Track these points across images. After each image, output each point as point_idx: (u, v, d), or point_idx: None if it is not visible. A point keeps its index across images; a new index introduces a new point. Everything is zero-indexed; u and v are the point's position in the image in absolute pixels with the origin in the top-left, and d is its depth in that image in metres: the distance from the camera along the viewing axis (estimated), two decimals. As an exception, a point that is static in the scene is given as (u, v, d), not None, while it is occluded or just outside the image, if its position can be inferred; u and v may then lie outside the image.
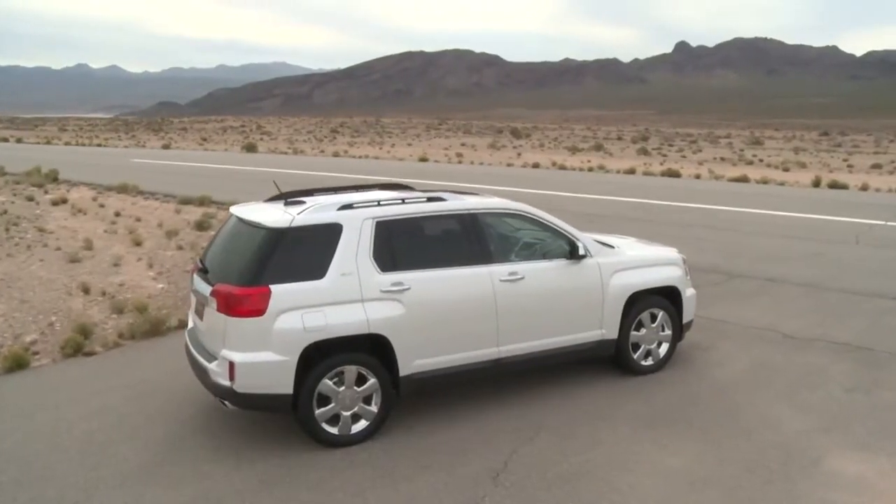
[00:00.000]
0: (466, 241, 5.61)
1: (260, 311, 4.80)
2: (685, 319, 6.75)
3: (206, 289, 5.20)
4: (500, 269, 5.66)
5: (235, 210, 5.61)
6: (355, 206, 5.32)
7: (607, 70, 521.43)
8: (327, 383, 5.04)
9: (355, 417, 5.19)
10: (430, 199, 5.63)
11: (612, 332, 6.24)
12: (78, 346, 7.11)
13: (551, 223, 6.06)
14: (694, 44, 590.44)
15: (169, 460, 5.01)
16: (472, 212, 5.69)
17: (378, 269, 5.17)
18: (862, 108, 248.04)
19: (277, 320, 4.83)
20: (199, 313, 5.40)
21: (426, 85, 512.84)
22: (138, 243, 12.55)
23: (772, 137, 72.31)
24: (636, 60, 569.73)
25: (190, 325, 5.91)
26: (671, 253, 6.88)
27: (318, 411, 5.04)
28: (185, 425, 5.57)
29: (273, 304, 4.82)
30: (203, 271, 5.45)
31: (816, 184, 23.64)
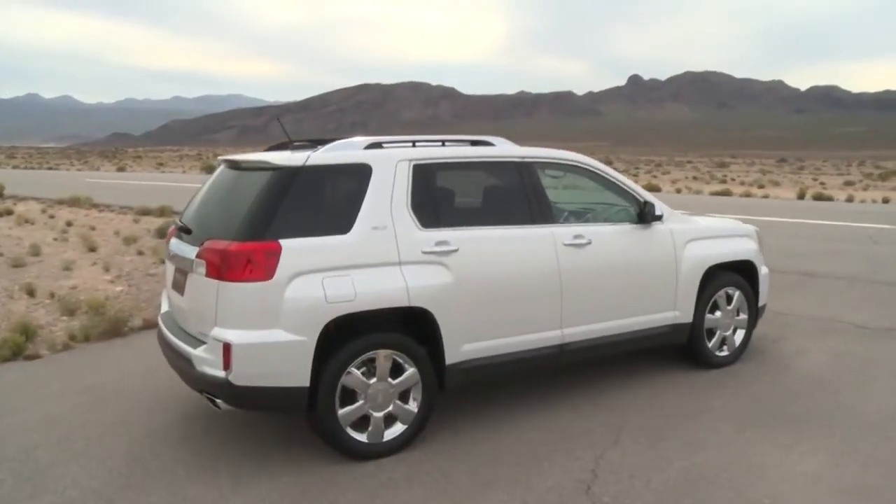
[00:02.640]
0: (523, 194, 4.45)
1: (266, 274, 3.55)
2: (761, 302, 5.68)
3: (189, 251, 3.94)
4: (563, 231, 4.51)
5: (227, 157, 4.36)
6: (385, 145, 4.14)
7: (562, 102, 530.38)
8: (354, 374, 3.79)
9: (389, 419, 3.94)
10: (474, 143, 4.49)
11: (686, 315, 5.12)
12: (17, 347, 5.70)
13: (616, 179, 4.95)
14: (646, 77, 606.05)
15: (135, 483, 3.69)
16: (527, 160, 4.54)
17: (418, 224, 3.98)
18: (808, 140, 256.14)
19: (290, 287, 3.59)
20: (179, 287, 4.11)
21: (382, 117, 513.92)
22: (92, 249, 11.10)
23: (732, 163, 73.24)
24: (590, 93, 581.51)
25: (164, 307, 4.61)
26: (743, 224, 5.83)
27: (341, 411, 3.78)
28: (156, 437, 4.23)
29: (284, 264, 3.58)
30: (184, 232, 4.18)
31: (801, 196, 23.21)
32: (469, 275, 4.06)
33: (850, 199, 22.28)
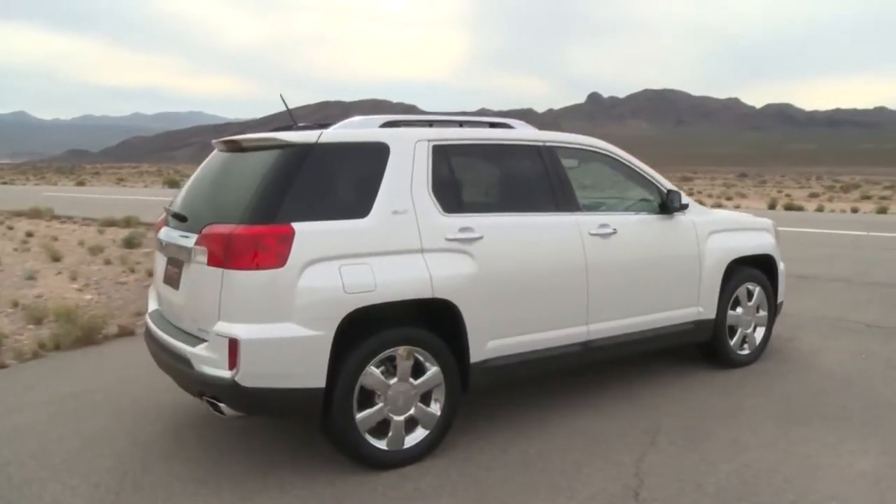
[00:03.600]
0: (546, 180, 4.14)
1: (277, 262, 3.17)
2: (779, 298, 5.45)
3: (186, 239, 3.53)
4: (588, 220, 4.21)
5: (225, 139, 3.96)
6: (402, 124, 3.80)
7: (523, 119, 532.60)
8: (373, 373, 3.41)
9: (410, 424, 3.56)
10: (492, 125, 4.17)
11: (709, 311, 4.85)
12: (-21, 357, 5.18)
13: (638, 167, 4.68)
14: (605, 94, 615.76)
15: (126, 501, 3.24)
16: (549, 145, 4.24)
17: (440, 209, 3.64)
18: (764, 156, 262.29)
19: (304, 275, 3.20)
20: (173, 280, 3.69)
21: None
22: (56, 259, 10.51)
23: (695, 178, 74.36)
24: (551, 110, 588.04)
25: (152, 305, 4.17)
26: (760, 217, 5.60)
27: (359, 415, 3.40)
28: (145, 449, 3.79)
29: (297, 250, 3.20)
30: (178, 219, 3.77)
31: (772, 206, 23.41)
32: (494, 264, 3.72)
33: (820, 209, 22.54)
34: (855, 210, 22.63)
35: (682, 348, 5.15)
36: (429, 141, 3.73)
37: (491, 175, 4.11)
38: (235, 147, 3.80)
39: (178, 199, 4.05)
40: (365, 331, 3.38)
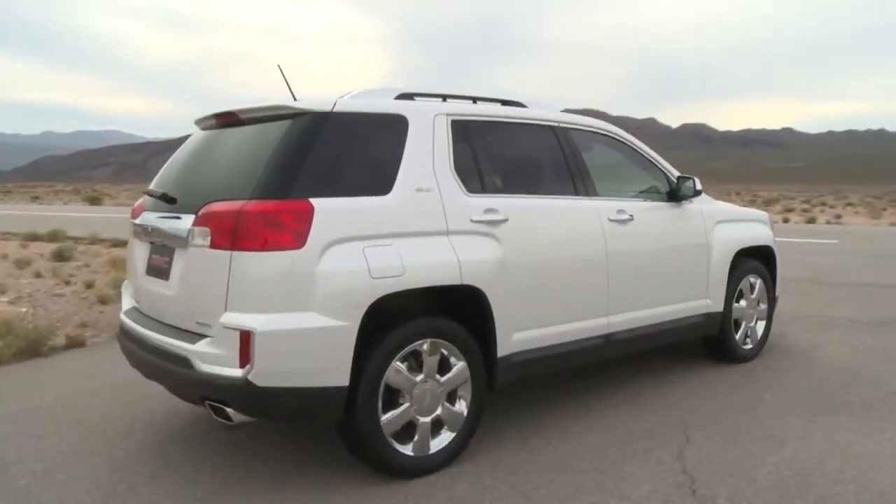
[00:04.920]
0: (564, 162, 3.88)
1: (296, 242, 2.78)
2: (776, 292, 5.35)
3: (178, 222, 3.09)
4: (607, 205, 3.97)
5: (214, 113, 3.51)
6: (416, 97, 3.47)
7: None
8: (400, 369, 3.05)
9: (436, 426, 3.20)
10: (504, 103, 3.88)
11: (717, 304, 4.68)
12: None
13: (647, 153, 4.48)
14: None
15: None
16: (563, 126, 3.98)
17: (463, 189, 3.31)
18: (684, 174, 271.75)
19: (325, 257, 2.82)
20: (160, 270, 3.23)
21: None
22: (-23, 273, 9.59)
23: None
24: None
25: (127, 303, 3.67)
26: (756, 210, 5.50)
27: (384, 417, 3.02)
28: (126, 467, 3.28)
29: (317, 229, 2.81)
30: (165, 201, 3.30)
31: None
32: (520, 249, 3.42)
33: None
34: (786, 220, 23.45)
35: (681, 344, 4.98)
36: (447, 115, 3.41)
37: (510, 154, 3.81)
38: (231, 121, 3.37)
39: (158, 180, 3.58)
40: (386, 322, 3.01)
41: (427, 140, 3.26)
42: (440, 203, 3.18)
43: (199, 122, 3.70)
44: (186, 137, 3.75)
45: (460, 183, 3.30)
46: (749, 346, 5.02)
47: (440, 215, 3.17)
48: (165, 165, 3.71)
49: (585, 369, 4.61)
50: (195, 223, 2.94)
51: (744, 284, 4.93)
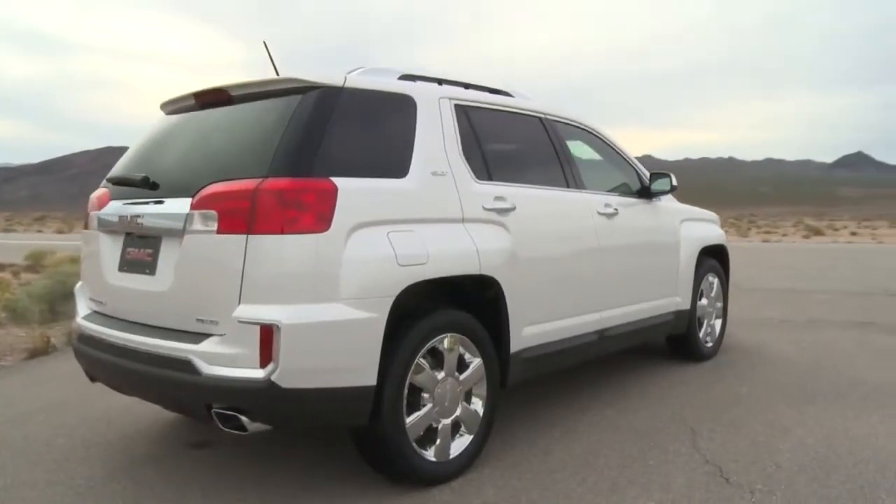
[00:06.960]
0: (554, 154, 3.78)
1: (321, 224, 2.49)
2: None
3: (166, 208, 2.72)
4: (595, 199, 3.91)
5: (205, 90, 3.11)
6: (417, 79, 3.27)
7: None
8: (424, 367, 2.80)
9: (454, 428, 2.97)
10: (492, 91, 3.74)
11: (685, 301, 4.72)
12: None
13: (621, 150, 4.48)
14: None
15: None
16: (549, 118, 3.89)
17: (473, 175, 3.13)
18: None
19: (350, 242, 2.55)
20: (141, 264, 2.83)
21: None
22: None
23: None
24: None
25: (84, 309, 3.20)
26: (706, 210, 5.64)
27: (408, 420, 2.75)
28: (94, 500, 2.81)
29: (342, 210, 2.54)
30: (145, 186, 2.89)
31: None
32: (528, 238, 3.28)
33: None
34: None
35: (646, 344, 5.00)
36: (451, 99, 3.23)
37: (508, 143, 3.66)
38: (217, 99, 3.02)
39: (124, 166, 3.16)
40: (405, 316, 2.76)
41: (435, 122, 3.06)
42: (454, 188, 2.99)
43: (166, 105, 3.32)
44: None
45: (469, 169, 3.12)
46: (710, 345, 5.10)
47: (456, 201, 2.98)
48: (128, 153, 3.31)
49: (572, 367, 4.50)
50: (195, 206, 2.58)
51: (704, 283, 5.02)
